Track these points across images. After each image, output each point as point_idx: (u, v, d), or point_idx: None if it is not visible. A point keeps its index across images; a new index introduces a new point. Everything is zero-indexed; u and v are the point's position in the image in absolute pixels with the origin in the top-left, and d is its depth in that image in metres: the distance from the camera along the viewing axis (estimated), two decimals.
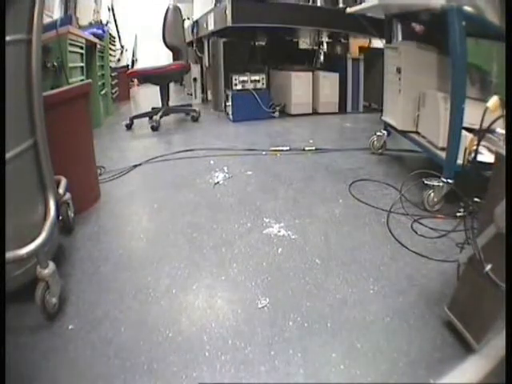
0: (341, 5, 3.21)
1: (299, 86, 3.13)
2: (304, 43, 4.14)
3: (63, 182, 1.13)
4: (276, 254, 1.06)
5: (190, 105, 3.48)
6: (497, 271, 0.64)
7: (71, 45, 2.46)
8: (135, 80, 5.38)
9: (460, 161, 1.18)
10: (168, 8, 3.21)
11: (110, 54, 4.13)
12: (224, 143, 2.29)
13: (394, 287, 0.90)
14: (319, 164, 1.85)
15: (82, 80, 2.60)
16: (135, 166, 1.89)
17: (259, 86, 3.00)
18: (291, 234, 1.16)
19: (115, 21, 5.70)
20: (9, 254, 0.73)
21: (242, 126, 2.81)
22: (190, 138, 2.61)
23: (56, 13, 3.55)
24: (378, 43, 3.19)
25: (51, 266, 0.83)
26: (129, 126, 2.92)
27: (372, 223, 1.22)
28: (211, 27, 3.33)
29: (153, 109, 3.16)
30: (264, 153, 2.05)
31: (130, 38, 6.34)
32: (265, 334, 0.76)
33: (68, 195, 1.16)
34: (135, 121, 2.99)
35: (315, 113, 3.22)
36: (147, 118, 3.11)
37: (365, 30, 2.04)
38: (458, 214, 1.20)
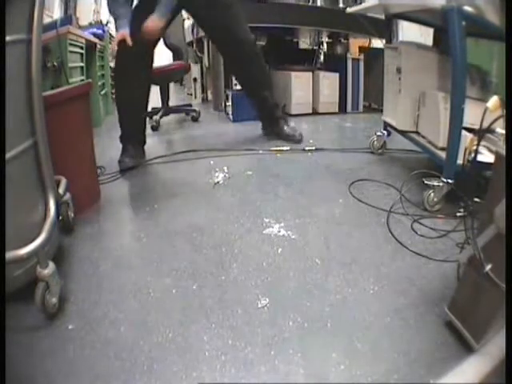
0: (341, 5, 3.21)
1: (299, 85, 3.13)
2: (304, 43, 4.14)
3: (63, 182, 1.13)
4: (276, 253, 1.06)
5: (190, 105, 3.48)
6: (497, 271, 0.64)
7: (71, 45, 2.46)
8: None
9: (460, 161, 1.18)
10: None
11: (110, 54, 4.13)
12: (224, 143, 2.29)
13: (394, 287, 0.90)
14: (319, 164, 1.85)
15: (82, 80, 2.60)
16: (135, 166, 1.89)
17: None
18: (291, 234, 1.16)
19: None
20: (9, 254, 0.73)
21: (242, 125, 2.80)
22: (189, 137, 2.61)
23: (56, 13, 3.56)
24: (378, 43, 3.19)
25: (51, 266, 0.83)
26: None
27: (372, 223, 1.22)
28: None
29: (153, 109, 3.16)
30: (263, 152, 2.05)
31: None
32: (265, 334, 0.76)
33: (68, 195, 1.16)
34: None
35: (315, 113, 3.22)
36: (147, 118, 3.12)
37: (365, 30, 2.04)
38: (458, 214, 1.20)
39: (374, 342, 0.74)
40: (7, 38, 0.73)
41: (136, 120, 2.02)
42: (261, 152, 2.05)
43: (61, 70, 2.29)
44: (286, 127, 2.21)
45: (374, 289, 0.90)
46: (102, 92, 3.32)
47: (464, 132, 1.20)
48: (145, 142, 2.07)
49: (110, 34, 4.22)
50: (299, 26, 3.10)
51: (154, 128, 2.79)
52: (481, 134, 0.81)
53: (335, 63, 3.33)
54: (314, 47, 3.89)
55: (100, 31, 3.36)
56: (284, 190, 1.53)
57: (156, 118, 2.84)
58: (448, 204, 1.26)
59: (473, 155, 0.91)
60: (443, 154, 1.27)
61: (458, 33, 1.13)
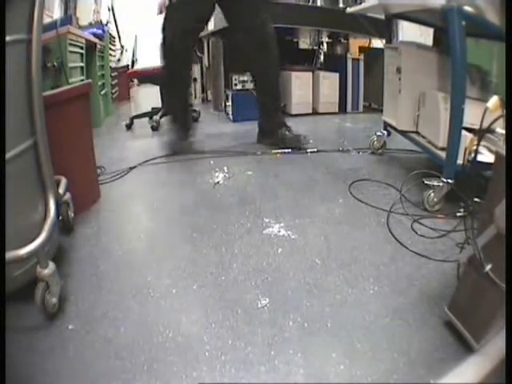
0: (341, 5, 3.21)
1: (299, 85, 3.13)
2: (304, 43, 4.14)
3: (63, 182, 1.13)
4: (276, 253, 1.06)
5: (191, 105, 3.48)
6: (497, 271, 0.64)
7: (71, 45, 2.46)
8: (135, 80, 5.38)
9: (460, 161, 1.18)
10: None
11: (110, 54, 4.13)
12: (224, 143, 2.29)
13: (394, 287, 0.90)
14: (319, 164, 1.85)
15: (82, 80, 2.60)
16: (135, 166, 1.89)
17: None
18: (291, 234, 1.16)
19: (115, 21, 5.68)
20: (9, 254, 0.73)
21: (242, 126, 2.81)
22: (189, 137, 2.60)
23: (56, 13, 3.56)
24: (378, 43, 3.19)
25: (51, 266, 0.83)
26: (129, 126, 2.93)
27: (372, 223, 1.22)
28: (211, 27, 3.33)
29: (153, 109, 3.16)
30: (263, 152, 2.04)
31: (129, 38, 6.33)
32: (265, 334, 0.76)
33: (68, 195, 1.16)
34: (135, 121, 2.99)
35: (315, 113, 3.22)
36: (147, 118, 3.11)
37: (365, 30, 2.04)
38: (458, 214, 1.20)
39: (374, 342, 0.74)
40: (7, 38, 0.73)
41: (182, 102, 2.18)
42: (261, 152, 2.05)
43: (61, 70, 2.29)
44: (287, 133, 2.18)
45: (374, 289, 0.90)
46: (102, 92, 3.32)
47: (464, 132, 1.20)
48: (190, 127, 2.23)
49: (110, 34, 4.22)
50: (299, 26, 3.10)
51: (154, 128, 2.79)
52: (481, 133, 0.81)
53: (335, 63, 3.33)
54: (314, 47, 3.88)
55: (100, 31, 3.37)
56: (284, 190, 1.53)
57: (156, 118, 2.84)
58: (448, 204, 1.26)
59: (473, 155, 0.91)
60: (443, 154, 1.27)
61: (458, 33, 1.13)
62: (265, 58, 2.08)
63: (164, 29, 2.03)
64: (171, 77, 2.10)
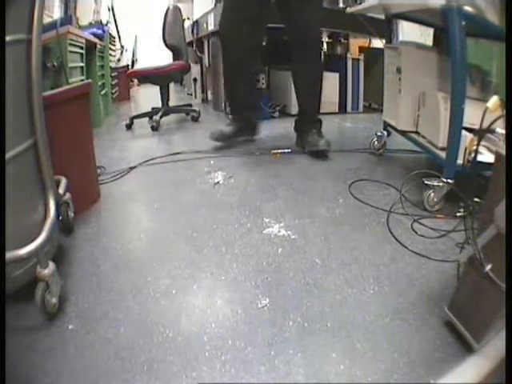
0: (341, 5, 3.21)
1: None
2: None
3: (63, 182, 1.13)
4: (276, 253, 1.06)
5: (190, 105, 3.48)
6: (497, 271, 0.64)
7: (71, 45, 2.46)
8: (135, 80, 5.39)
9: (460, 161, 1.18)
10: (168, 8, 3.21)
11: (110, 54, 4.13)
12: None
13: (394, 287, 0.90)
14: (319, 164, 1.85)
15: (81, 80, 2.60)
16: (135, 166, 1.89)
17: (259, 86, 3.00)
18: (291, 234, 1.16)
19: (115, 21, 5.70)
20: (9, 254, 0.73)
21: None
22: (190, 137, 2.61)
23: (56, 13, 3.56)
24: (378, 43, 3.19)
25: (51, 266, 0.83)
26: (129, 126, 2.92)
27: (372, 223, 1.22)
28: (211, 27, 3.33)
29: (153, 109, 3.16)
30: (264, 152, 2.04)
31: (129, 38, 6.34)
32: (265, 334, 0.76)
33: (68, 195, 1.16)
34: (135, 121, 2.99)
35: None
36: (147, 118, 3.12)
37: (365, 30, 2.04)
38: (458, 214, 1.20)
39: (374, 342, 0.74)
40: (7, 38, 0.73)
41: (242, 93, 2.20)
42: (260, 152, 2.05)
43: (61, 70, 2.29)
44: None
45: (374, 289, 0.90)
46: (102, 92, 3.32)
47: (464, 132, 1.20)
48: (255, 122, 2.26)
49: (110, 34, 4.22)
50: None
51: (154, 128, 2.79)
52: (481, 134, 0.81)
53: (335, 63, 3.33)
54: None
55: (100, 31, 3.36)
56: (284, 189, 1.53)
57: (156, 118, 2.84)
58: (448, 204, 1.26)
59: (473, 155, 0.92)
60: (443, 154, 1.27)
61: (458, 33, 1.13)
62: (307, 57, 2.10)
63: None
64: (234, 72, 2.11)
